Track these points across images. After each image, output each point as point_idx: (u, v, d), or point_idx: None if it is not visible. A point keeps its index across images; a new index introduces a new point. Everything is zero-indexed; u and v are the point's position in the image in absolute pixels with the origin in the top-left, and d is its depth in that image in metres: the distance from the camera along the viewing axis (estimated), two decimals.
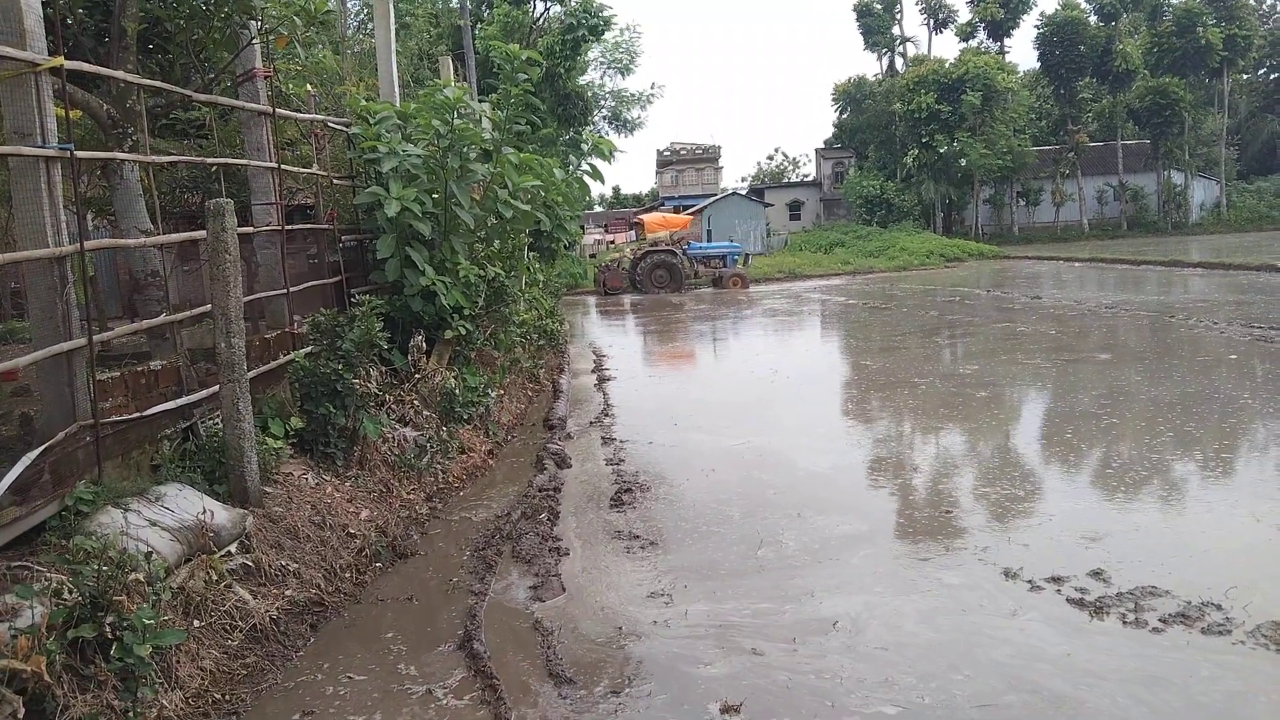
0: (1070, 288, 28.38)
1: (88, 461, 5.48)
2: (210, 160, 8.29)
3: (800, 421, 11.43)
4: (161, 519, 5.33)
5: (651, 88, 52.37)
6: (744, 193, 60.80)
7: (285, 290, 8.74)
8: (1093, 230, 58.76)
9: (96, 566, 4.43)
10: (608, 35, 37.66)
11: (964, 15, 61.39)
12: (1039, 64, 59.92)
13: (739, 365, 17.02)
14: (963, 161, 53.13)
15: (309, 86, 11.76)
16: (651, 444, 10.52)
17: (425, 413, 9.36)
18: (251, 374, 6.70)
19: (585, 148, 32.19)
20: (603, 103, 44.80)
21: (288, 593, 5.82)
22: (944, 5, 62.07)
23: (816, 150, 71.07)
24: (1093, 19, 57.62)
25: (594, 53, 39.34)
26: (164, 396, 6.58)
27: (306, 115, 10.48)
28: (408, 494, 8.15)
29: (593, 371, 16.54)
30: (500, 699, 4.73)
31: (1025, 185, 60.17)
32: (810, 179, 72.62)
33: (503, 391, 12.24)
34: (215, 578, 5.36)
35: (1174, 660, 4.87)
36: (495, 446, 10.44)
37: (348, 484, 7.60)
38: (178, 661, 4.70)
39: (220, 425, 6.54)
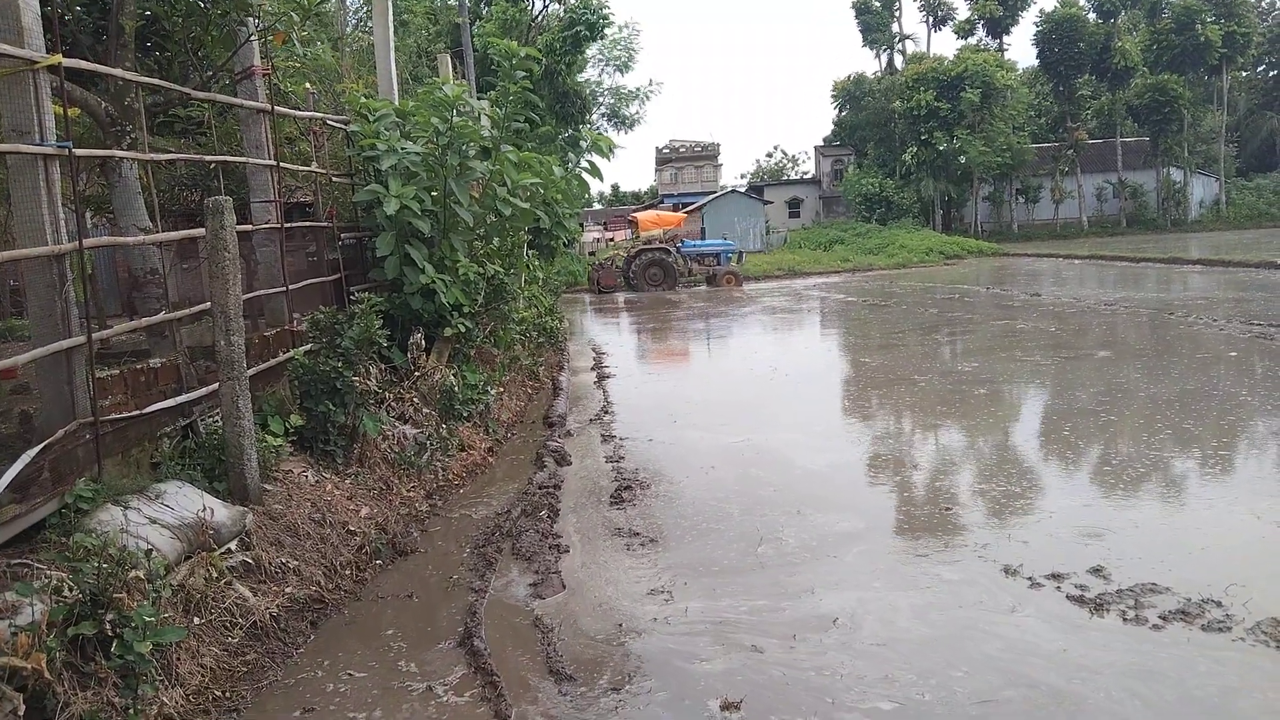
0: (1069, 285, 28.39)
1: (87, 459, 5.48)
2: (209, 158, 8.29)
3: (799, 419, 11.43)
4: (161, 516, 5.33)
5: (650, 84, 52.15)
6: (743, 190, 60.77)
7: (284, 288, 8.73)
8: (1092, 227, 58.76)
9: (97, 564, 4.43)
10: (607, 32, 37.60)
11: (963, 13, 61.42)
12: (1038, 61, 59.89)
13: (738, 363, 17.02)
14: (962, 159, 53.11)
15: (307, 84, 11.76)
16: (651, 441, 10.53)
17: (425, 410, 9.36)
18: (251, 372, 6.70)
19: (584, 145, 32.16)
20: (601, 99, 44.76)
21: (288, 590, 5.81)
22: (943, 3, 62.00)
23: (816, 148, 71.04)
24: (1092, 16, 57.59)
25: (592, 50, 39.26)
26: (163, 394, 6.58)
27: (305, 113, 10.48)
28: (408, 491, 8.15)
29: (592, 369, 16.53)
30: (500, 696, 4.73)
31: (1024, 182, 60.15)
32: (809, 176, 72.58)
33: (502, 389, 12.24)
34: (215, 575, 5.36)
35: (1173, 657, 4.87)
36: (495, 444, 10.44)
37: (347, 481, 7.60)
38: (178, 659, 4.70)
39: (220, 423, 6.53)
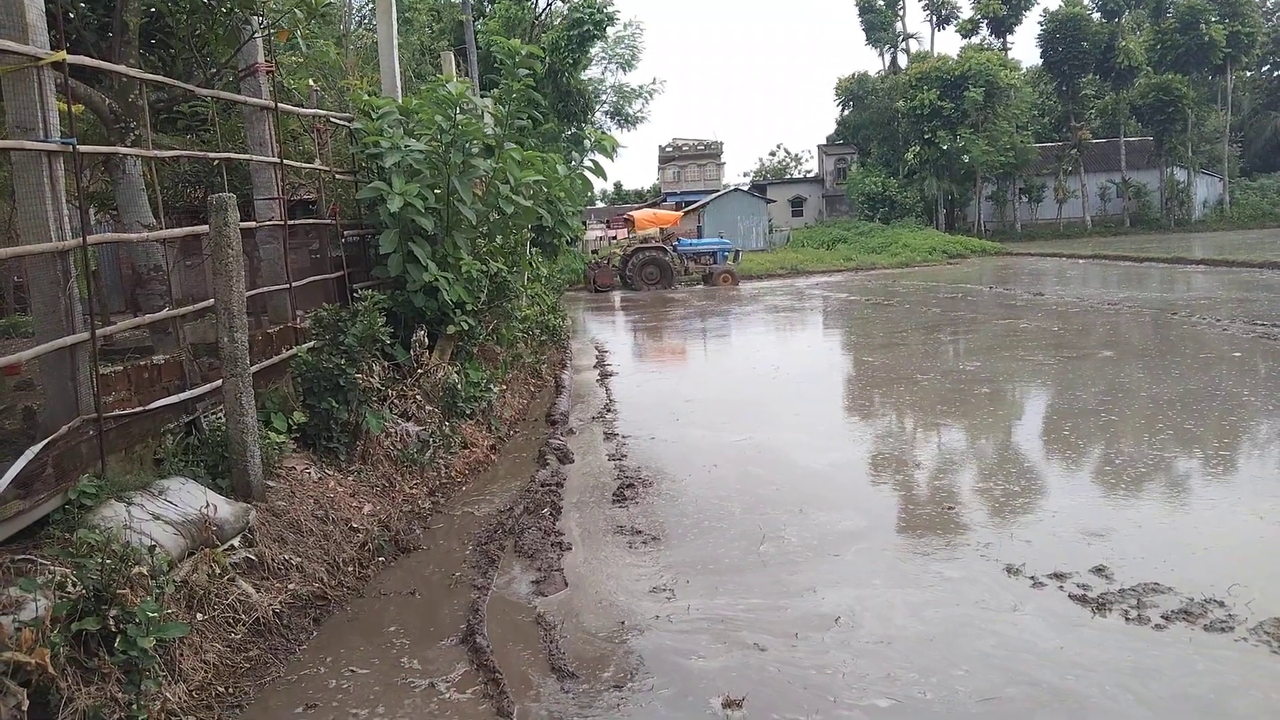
0: (1073, 284, 28.35)
1: (91, 455, 5.48)
2: (213, 155, 8.29)
3: (801, 418, 11.43)
4: (165, 513, 5.34)
5: (653, 82, 52.21)
6: (746, 189, 60.73)
7: (288, 285, 8.74)
8: (1095, 227, 58.70)
9: (100, 560, 4.44)
10: (610, 30, 37.56)
11: (966, 12, 61.32)
12: (1042, 60, 59.86)
13: (740, 361, 17.02)
14: (965, 158, 53.07)
15: (311, 81, 11.76)
16: (654, 439, 10.53)
17: (428, 408, 9.37)
18: (254, 368, 6.71)
19: (588, 144, 32.14)
20: (604, 97, 44.71)
21: (290, 586, 5.82)
22: (947, 1, 61.88)
23: (819, 146, 71.02)
24: (1096, 15, 57.56)
25: (596, 48, 39.19)
26: (167, 391, 6.59)
27: (309, 110, 10.48)
28: (410, 488, 8.16)
29: (595, 367, 16.53)
30: (503, 693, 4.74)
31: (1028, 182, 60.11)
32: (813, 175, 72.54)
33: (505, 387, 12.25)
34: (218, 571, 5.37)
35: (1175, 656, 4.87)
36: (498, 441, 10.44)
37: (350, 478, 7.61)
38: (181, 654, 4.71)
39: (223, 420, 6.54)
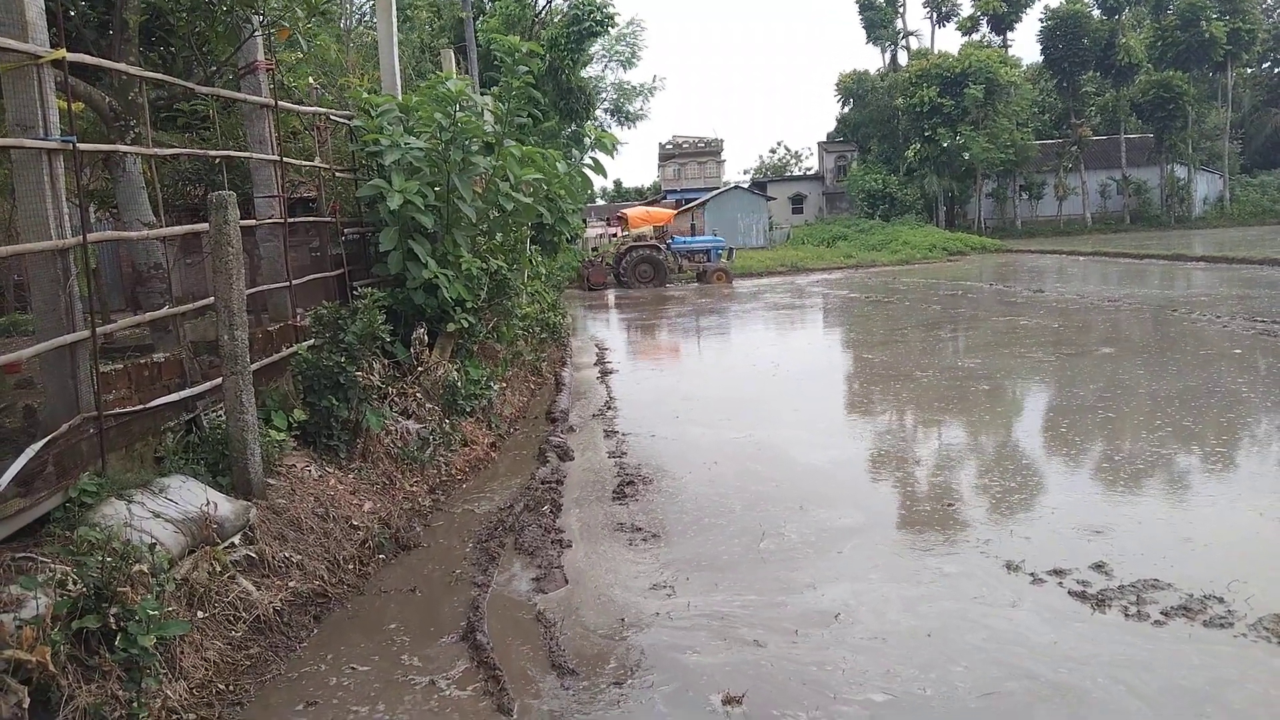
0: (1073, 281, 28.35)
1: (91, 453, 5.49)
2: (213, 153, 8.29)
3: (801, 415, 11.43)
4: (165, 510, 5.35)
5: (654, 80, 52.40)
6: (746, 186, 60.70)
7: (288, 283, 8.74)
8: (1095, 224, 58.70)
9: (100, 557, 4.44)
10: (610, 31, 37.48)
11: (967, 9, 61.26)
12: (1042, 57, 59.83)
13: (740, 359, 17.01)
14: (965, 155, 53.01)
15: (311, 79, 11.75)
16: (654, 437, 10.53)
17: (428, 405, 9.37)
18: (254, 366, 6.71)
19: (588, 141, 32.09)
20: (604, 95, 44.68)
21: (291, 584, 5.83)
22: None
23: (819, 144, 70.98)
24: (1096, 13, 57.51)
25: (596, 46, 39.15)
26: (167, 389, 6.59)
27: (309, 108, 10.48)
28: (410, 486, 8.16)
29: (595, 364, 16.53)
30: (503, 690, 4.74)
31: (1028, 179, 60.09)
32: (813, 173, 72.50)
33: (505, 384, 12.25)
34: (219, 569, 5.38)
35: (1174, 652, 4.88)
36: (498, 439, 10.45)
37: (350, 476, 7.62)
38: (181, 652, 4.72)
39: (223, 417, 6.54)
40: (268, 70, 8.93)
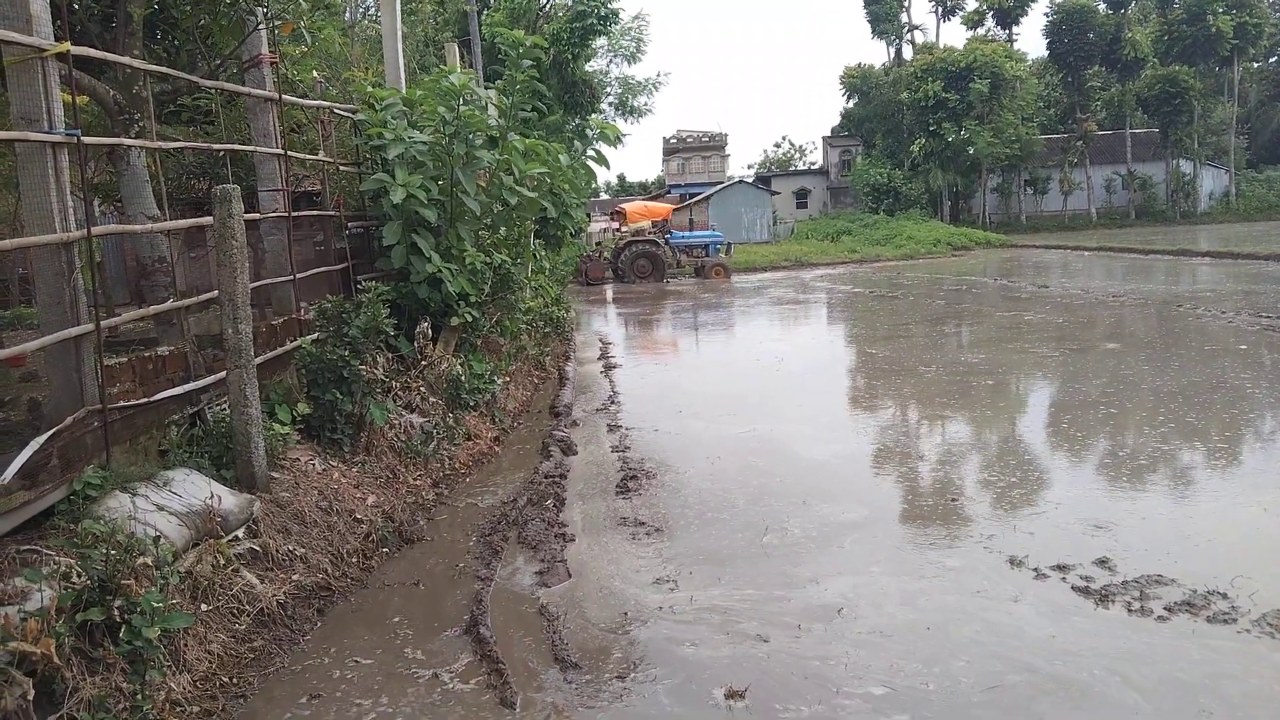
0: (1078, 277, 28.28)
1: (96, 446, 5.50)
2: (217, 146, 8.30)
3: (805, 410, 11.43)
4: (169, 504, 5.36)
5: (658, 75, 52.26)
6: (750, 180, 60.62)
7: (292, 277, 8.74)
8: (1101, 219, 58.57)
9: (105, 550, 4.45)
10: (614, 27, 37.38)
11: (972, 3, 61.13)
12: (1047, 52, 59.67)
13: (744, 353, 17.00)
14: (970, 150, 52.90)
15: (315, 73, 11.75)
16: (657, 431, 10.53)
17: (432, 399, 9.38)
18: (258, 360, 6.71)
19: (592, 134, 31.99)
20: (609, 90, 44.58)
21: (295, 577, 5.84)
22: None
23: (823, 138, 70.84)
24: (1102, 7, 57.33)
25: (601, 41, 39.06)
26: (171, 382, 6.60)
27: (313, 101, 10.47)
28: (414, 480, 8.17)
29: (599, 359, 16.53)
30: (506, 683, 4.75)
31: (1033, 174, 59.97)
32: (817, 167, 72.38)
33: (509, 378, 12.25)
34: (223, 562, 5.39)
35: (1176, 647, 4.87)
36: (501, 433, 10.46)
37: (354, 470, 7.63)
38: (185, 645, 4.73)
39: (227, 411, 6.56)
40: (272, 64, 8.93)
